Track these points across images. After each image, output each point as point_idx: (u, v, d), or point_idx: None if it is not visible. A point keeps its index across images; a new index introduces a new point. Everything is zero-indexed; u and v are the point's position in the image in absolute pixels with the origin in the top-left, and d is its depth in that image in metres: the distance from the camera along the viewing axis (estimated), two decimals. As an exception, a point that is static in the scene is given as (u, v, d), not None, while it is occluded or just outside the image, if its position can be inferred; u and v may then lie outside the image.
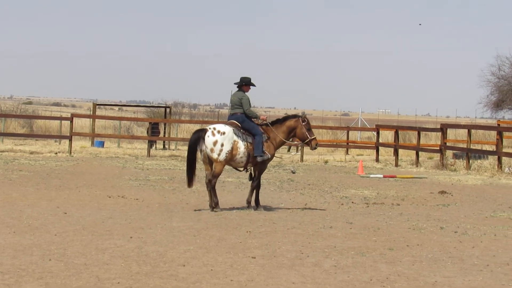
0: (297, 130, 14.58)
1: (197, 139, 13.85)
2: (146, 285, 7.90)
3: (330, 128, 40.55)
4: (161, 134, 36.90)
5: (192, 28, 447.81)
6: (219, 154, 13.74)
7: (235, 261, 9.16)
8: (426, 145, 33.54)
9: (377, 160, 30.02)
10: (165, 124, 37.09)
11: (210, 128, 13.91)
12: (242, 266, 8.90)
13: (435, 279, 8.55)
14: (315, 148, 14.90)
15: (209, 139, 13.75)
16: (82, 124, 45.31)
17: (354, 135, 45.08)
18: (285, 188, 18.45)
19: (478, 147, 35.64)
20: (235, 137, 13.89)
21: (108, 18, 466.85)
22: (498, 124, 29.94)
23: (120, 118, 37.05)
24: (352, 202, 16.06)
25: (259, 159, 14.01)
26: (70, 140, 29.15)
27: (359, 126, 47.40)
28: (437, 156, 28.04)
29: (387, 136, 43.65)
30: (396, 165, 27.90)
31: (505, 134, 29.86)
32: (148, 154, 28.96)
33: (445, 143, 27.20)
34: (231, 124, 14.08)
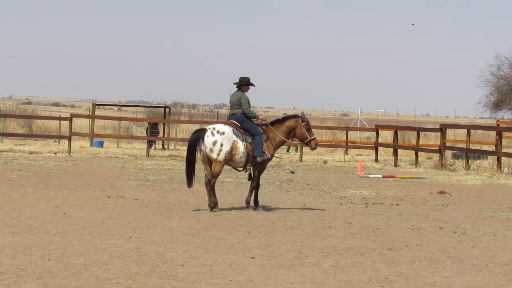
0: (297, 130, 14.58)
1: (196, 139, 13.85)
2: (145, 285, 7.90)
3: (329, 128, 40.54)
4: (160, 134, 36.91)
5: (192, 28, 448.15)
6: (218, 154, 13.75)
7: (234, 261, 9.16)
8: (425, 145, 33.53)
9: (376, 160, 30.03)
10: (164, 124, 37.08)
11: (209, 128, 13.91)
12: (241, 266, 8.90)
13: (434, 279, 8.55)
14: (314, 148, 14.90)
15: (208, 139, 13.75)
16: (81, 124, 45.30)
17: (353, 135, 45.08)
18: (284, 188, 18.45)
19: (477, 147, 35.63)
20: (235, 137, 13.89)
21: (108, 18, 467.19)
22: (498, 124, 29.94)
23: (119, 118, 37.04)
24: (351, 202, 16.06)
25: (259, 159, 14.02)
26: (69, 140, 29.15)
27: (358, 126, 47.41)
28: (436, 156, 28.05)
29: (386, 136, 43.65)
30: (395, 165, 27.91)
31: (504, 134, 29.84)
32: (147, 154, 28.96)
33: (444, 143, 27.20)
34: (230, 124, 14.08)
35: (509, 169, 24.15)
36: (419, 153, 29.10)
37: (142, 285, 7.91)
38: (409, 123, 66.49)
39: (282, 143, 14.74)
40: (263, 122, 14.47)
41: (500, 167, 24.15)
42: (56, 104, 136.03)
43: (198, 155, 13.99)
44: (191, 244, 10.21)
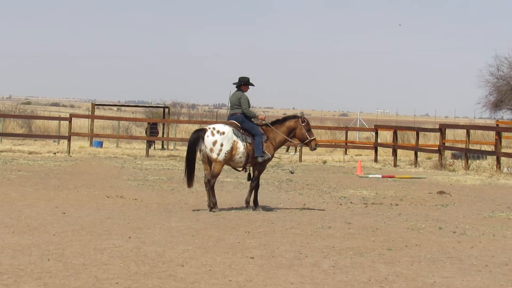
0: (297, 130, 14.58)
1: (196, 139, 13.85)
2: (145, 285, 7.89)
3: (329, 128, 40.52)
4: (160, 134, 36.89)
5: (192, 28, 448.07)
6: (218, 154, 13.75)
7: (233, 261, 9.15)
8: (424, 145, 33.53)
9: (375, 160, 30.03)
10: (163, 124, 37.07)
11: (209, 128, 13.91)
12: (241, 266, 8.90)
13: (433, 280, 8.55)
14: (314, 149, 14.89)
15: (208, 139, 13.75)
16: (80, 124, 45.29)
17: (353, 135, 45.09)
18: (284, 188, 18.45)
19: (476, 147, 35.64)
20: (235, 137, 13.89)
21: (108, 18, 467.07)
22: (497, 125, 29.96)
23: (119, 118, 37.02)
24: (351, 202, 16.06)
25: (259, 159, 14.02)
26: (69, 140, 29.16)
27: (358, 126, 47.41)
28: (435, 156, 28.05)
29: (385, 136, 43.64)
30: (395, 165, 27.91)
31: (504, 134, 29.86)
32: (147, 154, 28.95)
33: (444, 143, 27.20)
34: (230, 124, 14.09)
35: (509, 169, 24.15)
36: (419, 153, 29.10)
37: (141, 285, 7.91)
38: (409, 123, 66.47)
39: (282, 143, 14.74)
40: (263, 122, 14.47)
41: (500, 167, 24.16)
42: (55, 104, 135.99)
43: (198, 155, 14.00)
44: (190, 244, 10.20)
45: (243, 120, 14.17)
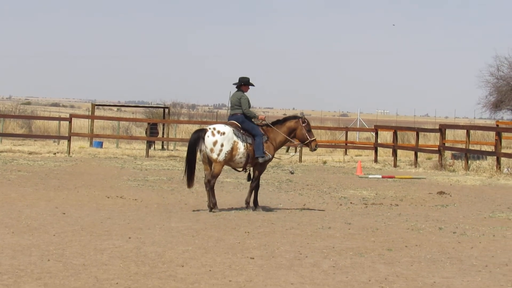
0: (297, 131, 14.58)
1: (196, 139, 13.85)
2: (145, 286, 7.89)
3: (329, 128, 40.53)
4: (160, 135, 36.90)
5: (192, 28, 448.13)
6: (218, 154, 13.74)
7: (233, 262, 9.15)
8: (424, 146, 33.55)
9: (375, 160, 30.03)
10: (163, 125, 37.08)
11: (210, 128, 13.91)
12: (241, 267, 8.90)
13: (433, 280, 8.55)
14: (315, 150, 14.88)
15: (209, 139, 13.75)
16: (80, 125, 45.30)
17: (353, 136, 45.11)
18: (284, 189, 18.45)
19: (477, 147, 35.66)
20: (235, 138, 13.89)
21: (108, 18, 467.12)
22: (497, 125, 29.96)
23: (119, 119, 37.03)
24: (351, 203, 16.06)
25: (260, 160, 14.02)
26: (69, 141, 29.16)
27: (358, 126, 47.42)
28: (435, 157, 28.05)
29: (385, 136, 43.65)
30: (395, 165, 27.91)
31: (504, 134, 29.84)
32: (147, 155, 28.96)
33: (444, 144, 27.20)
34: (231, 125, 14.08)
35: (509, 169, 24.15)
36: (419, 153, 29.10)
37: (141, 285, 7.91)
38: (409, 123, 66.49)
39: (282, 143, 14.74)
40: (263, 122, 14.47)
41: (500, 167, 24.16)
42: (55, 105, 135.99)
43: (198, 155, 13.99)
44: (190, 244, 10.20)
45: (244, 121, 14.17)
